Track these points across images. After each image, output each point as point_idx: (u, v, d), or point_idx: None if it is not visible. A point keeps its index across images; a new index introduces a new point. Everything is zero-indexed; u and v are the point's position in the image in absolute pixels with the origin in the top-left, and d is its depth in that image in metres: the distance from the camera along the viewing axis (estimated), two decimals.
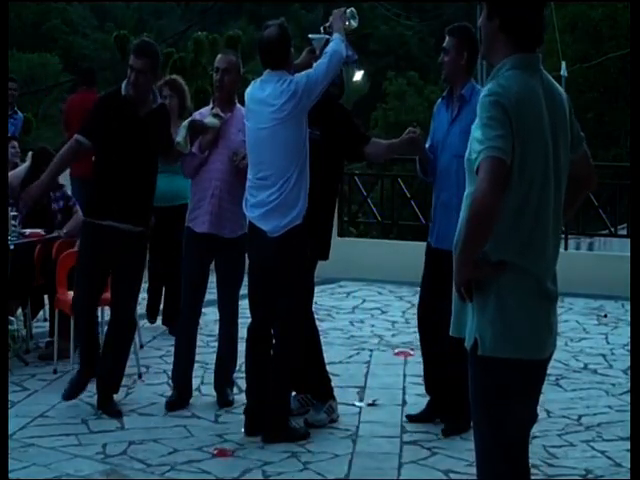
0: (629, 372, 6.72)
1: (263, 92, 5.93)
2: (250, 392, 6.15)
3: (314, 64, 5.91)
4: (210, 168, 6.56)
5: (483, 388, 3.58)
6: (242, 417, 6.42)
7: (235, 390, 6.94)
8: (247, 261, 6.24)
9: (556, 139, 3.55)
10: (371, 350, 8.18)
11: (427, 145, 6.24)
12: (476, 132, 3.45)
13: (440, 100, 6.34)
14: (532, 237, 3.50)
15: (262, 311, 6.09)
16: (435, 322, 6.02)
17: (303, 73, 5.87)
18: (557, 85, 3.67)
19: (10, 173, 7.97)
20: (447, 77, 6.17)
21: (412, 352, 7.90)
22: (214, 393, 6.90)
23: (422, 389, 6.62)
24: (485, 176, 3.34)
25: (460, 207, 5.80)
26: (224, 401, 6.71)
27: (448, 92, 6.24)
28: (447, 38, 6.15)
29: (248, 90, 6.11)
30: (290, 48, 5.97)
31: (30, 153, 8.55)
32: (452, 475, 5.51)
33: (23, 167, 8.39)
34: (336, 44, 5.87)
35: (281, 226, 5.85)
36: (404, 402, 6.78)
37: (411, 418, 6.40)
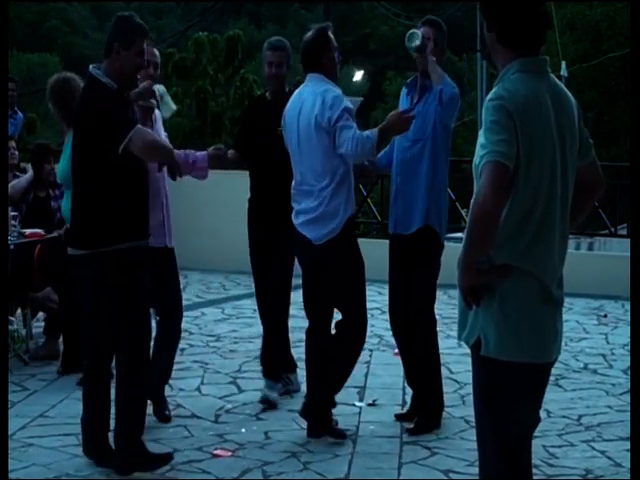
0: (629, 372, 6.72)
1: (303, 98, 5.92)
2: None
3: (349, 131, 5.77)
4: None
5: (485, 388, 3.58)
6: (242, 417, 6.43)
7: (235, 390, 6.94)
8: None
9: (563, 144, 3.54)
10: (371, 350, 8.18)
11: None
12: (480, 137, 3.44)
13: (403, 88, 6.41)
14: (538, 242, 3.49)
15: (317, 314, 6.07)
16: (405, 313, 6.17)
17: (345, 125, 5.73)
18: (566, 90, 3.66)
19: (11, 184, 7.97)
20: (423, 67, 6.12)
21: None
22: (214, 393, 6.90)
23: None
24: (486, 180, 3.33)
25: (416, 192, 5.87)
26: (161, 416, 6.32)
27: (413, 80, 6.30)
28: (427, 29, 6.14)
29: (292, 97, 6.09)
30: (327, 51, 5.92)
31: (29, 164, 8.52)
32: (452, 475, 5.50)
33: (24, 179, 8.36)
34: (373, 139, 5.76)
35: (323, 234, 5.87)
36: (404, 402, 6.78)
37: (398, 417, 6.42)
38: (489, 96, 3.50)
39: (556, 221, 3.53)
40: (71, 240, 5.49)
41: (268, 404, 6.60)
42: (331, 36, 5.96)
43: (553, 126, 3.50)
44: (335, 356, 6.03)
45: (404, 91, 6.38)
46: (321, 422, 6.00)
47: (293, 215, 6.02)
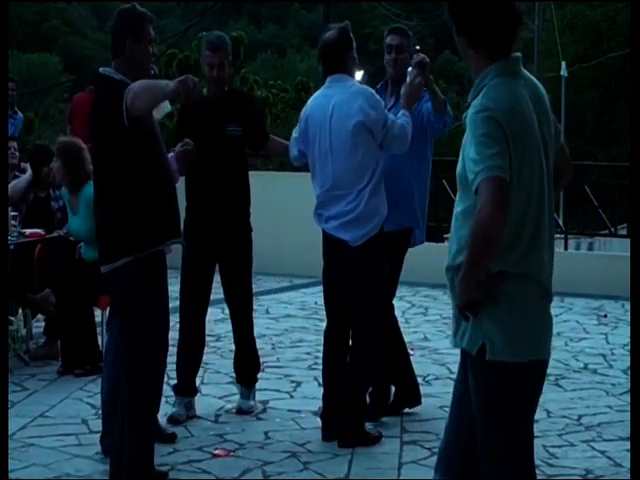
0: (629, 372, 6.72)
1: (332, 101, 5.83)
2: (327, 397, 6.07)
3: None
4: None
5: (493, 392, 3.54)
6: (242, 417, 6.43)
7: (235, 390, 6.94)
8: None
9: (545, 141, 3.52)
10: None
11: None
12: (470, 151, 3.36)
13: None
14: (533, 246, 3.48)
15: (338, 317, 6.04)
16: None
17: (391, 126, 5.79)
18: (536, 81, 3.63)
19: (11, 185, 7.96)
20: (397, 75, 6.20)
21: (412, 351, 7.89)
22: (214, 393, 6.90)
23: (422, 388, 6.63)
24: (487, 198, 3.28)
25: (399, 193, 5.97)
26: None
27: (383, 85, 6.39)
28: (396, 37, 6.25)
29: (310, 101, 6.02)
30: (350, 51, 5.89)
31: (28, 164, 8.52)
32: None
33: (24, 179, 8.36)
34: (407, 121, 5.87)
35: (362, 234, 5.83)
36: None
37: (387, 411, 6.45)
38: (474, 108, 3.42)
39: (546, 220, 3.53)
40: (108, 253, 5.03)
41: (243, 412, 6.51)
42: (352, 36, 5.93)
43: (537, 127, 3.48)
44: (359, 358, 5.96)
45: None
46: (353, 431, 5.90)
47: (320, 221, 5.95)
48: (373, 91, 5.91)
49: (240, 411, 6.52)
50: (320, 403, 6.21)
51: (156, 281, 5.02)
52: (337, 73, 5.88)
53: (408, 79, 6.04)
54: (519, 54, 3.57)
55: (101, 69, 5.12)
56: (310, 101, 6.04)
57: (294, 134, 6.10)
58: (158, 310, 5.02)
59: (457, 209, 3.55)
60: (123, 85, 4.88)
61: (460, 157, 3.47)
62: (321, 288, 6.30)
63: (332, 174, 5.83)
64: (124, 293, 5.03)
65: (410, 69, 6.06)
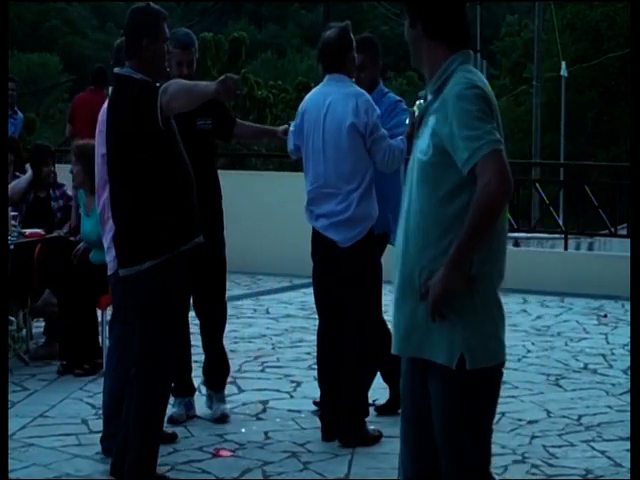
0: (629, 372, 6.72)
1: (328, 100, 5.84)
2: (324, 397, 6.06)
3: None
4: None
5: (475, 402, 3.41)
6: (242, 417, 6.43)
7: (235, 390, 6.94)
8: None
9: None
10: None
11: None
12: (462, 130, 3.23)
13: None
14: (504, 236, 3.43)
15: (330, 316, 6.04)
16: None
17: (381, 136, 5.77)
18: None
19: (11, 185, 7.96)
20: (365, 90, 6.12)
21: None
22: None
23: None
24: (495, 170, 3.18)
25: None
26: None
27: None
28: (357, 55, 6.10)
29: (308, 97, 6.02)
30: (350, 52, 5.87)
31: (28, 165, 8.51)
32: None
33: (24, 179, 8.35)
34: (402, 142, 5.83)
35: (351, 237, 5.82)
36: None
37: (378, 410, 6.46)
38: (462, 85, 3.29)
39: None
40: (132, 256, 4.93)
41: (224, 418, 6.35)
42: (352, 36, 5.92)
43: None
44: (354, 358, 5.94)
45: None
46: (354, 431, 5.88)
47: (311, 218, 5.95)
48: (369, 96, 5.88)
49: (218, 419, 6.29)
50: (317, 397, 6.23)
51: (179, 282, 4.97)
52: (336, 72, 5.88)
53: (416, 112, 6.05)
54: (471, 51, 3.49)
55: (117, 69, 5.05)
56: (307, 97, 6.05)
57: (291, 128, 6.10)
58: (176, 313, 4.99)
59: (416, 205, 3.39)
60: (148, 85, 4.84)
61: (425, 144, 3.34)
62: None
63: (324, 172, 5.84)
64: (146, 295, 4.93)
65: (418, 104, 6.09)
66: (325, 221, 5.87)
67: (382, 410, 6.46)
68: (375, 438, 5.98)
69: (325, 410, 6.06)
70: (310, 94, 6.06)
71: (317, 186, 5.88)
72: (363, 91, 5.90)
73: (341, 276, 5.91)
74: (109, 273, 5.52)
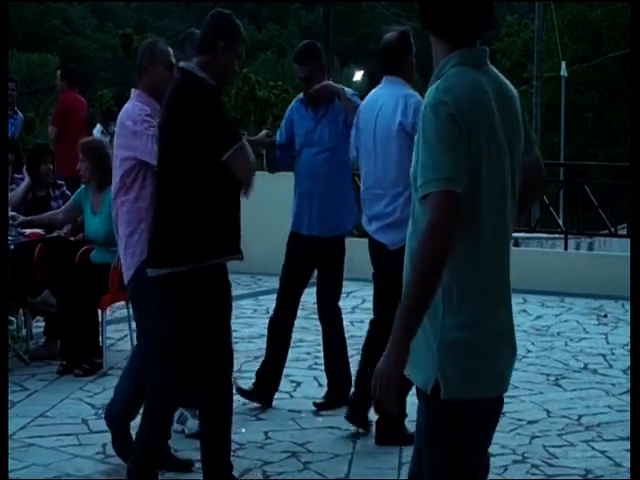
0: (629, 372, 6.72)
1: (381, 100, 5.86)
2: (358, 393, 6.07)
3: None
4: None
5: (450, 434, 3.07)
6: (242, 417, 6.42)
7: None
8: None
9: (510, 149, 3.09)
10: None
11: (279, 140, 6.59)
12: (422, 153, 2.98)
13: (296, 101, 6.62)
14: (492, 275, 3.09)
15: (386, 312, 6.05)
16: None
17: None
18: (507, 82, 3.19)
19: (11, 194, 7.95)
20: (315, 101, 6.35)
21: None
22: None
23: None
24: (435, 213, 2.92)
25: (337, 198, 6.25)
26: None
27: (304, 98, 6.52)
28: (301, 68, 6.34)
29: (366, 98, 6.05)
30: (409, 56, 5.87)
31: (25, 170, 8.49)
32: None
33: (21, 188, 8.32)
34: None
35: (400, 239, 5.80)
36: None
37: (317, 405, 6.52)
38: (428, 99, 3.00)
39: (508, 237, 3.16)
40: (161, 258, 4.85)
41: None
42: (412, 41, 5.92)
43: (499, 125, 3.05)
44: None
45: (299, 105, 6.56)
46: (393, 428, 5.83)
47: (365, 221, 6.01)
48: (418, 98, 5.74)
49: (192, 434, 5.89)
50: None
51: (206, 293, 4.84)
52: (392, 75, 5.89)
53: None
54: (486, 48, 3.16)
55: (182, 63, 4.95)
56: (365, 99, 6.09)
57: (352, 137, 6.12)
58: (198, 322, 4.85)
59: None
60: (209, 87, 4.78)
61: (414, 157, 3.09)
62: None
63: (374, 173, 5.90)
64: (176, 299, 4.84)
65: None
66: (375, 224, 5.93)
67: (320, 406, 6.53)
68: (411, 437, 5.98)
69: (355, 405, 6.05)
70: (367, 96, 6.09)
71: (368, 187, 5.96)
72: (415, 93, 5.87)
73: (393, 279, 5.92)
74: (126, 282, 5.46)
